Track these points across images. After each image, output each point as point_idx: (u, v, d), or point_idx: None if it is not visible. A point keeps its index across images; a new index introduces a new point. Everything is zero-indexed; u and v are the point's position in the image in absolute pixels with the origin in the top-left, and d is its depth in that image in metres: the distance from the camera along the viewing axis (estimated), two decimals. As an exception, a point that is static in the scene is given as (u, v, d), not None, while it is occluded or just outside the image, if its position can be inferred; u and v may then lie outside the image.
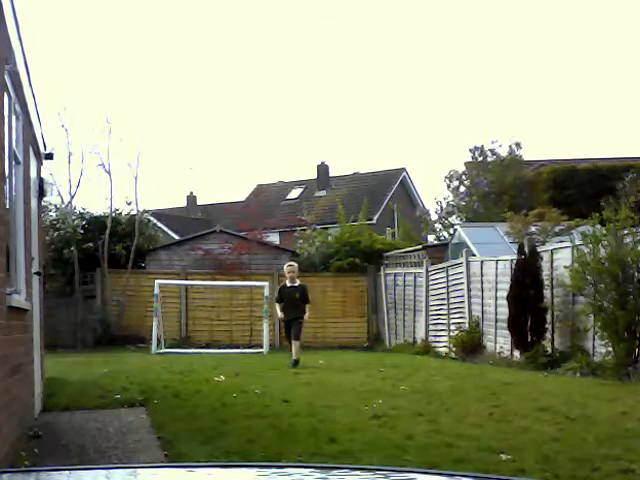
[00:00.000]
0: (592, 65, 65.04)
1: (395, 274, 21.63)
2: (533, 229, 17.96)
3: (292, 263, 14.94)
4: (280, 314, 14.38)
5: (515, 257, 14.40)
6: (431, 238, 28.47)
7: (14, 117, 6.70)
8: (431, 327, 19.18)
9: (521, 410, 8.03)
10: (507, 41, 65.63)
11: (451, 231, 24.51)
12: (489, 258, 16.35)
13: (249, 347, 18.73)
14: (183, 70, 70.66)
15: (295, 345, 13.98)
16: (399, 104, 69.90)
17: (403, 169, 40.09)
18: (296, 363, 13.84)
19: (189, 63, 70.57)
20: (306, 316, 14.25)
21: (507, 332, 14.48)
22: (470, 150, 28.89)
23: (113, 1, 59.35)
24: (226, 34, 67.20)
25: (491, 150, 28.45)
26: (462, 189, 28.34)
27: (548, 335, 13.71)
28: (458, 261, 17.85)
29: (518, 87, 63.77)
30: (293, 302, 14.05)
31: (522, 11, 60.38)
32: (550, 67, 66.23)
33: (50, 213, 22.93)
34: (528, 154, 29.33)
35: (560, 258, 13.63)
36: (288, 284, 14.31)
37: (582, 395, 9.14)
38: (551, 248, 14.34)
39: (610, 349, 11.68)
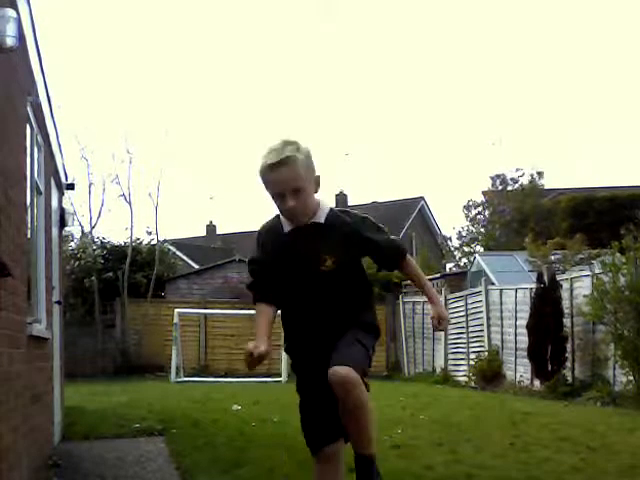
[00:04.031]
0: (611, 94, 64.99)
1: (414, 302, 21.57)
2: (553, 258, 17.91)
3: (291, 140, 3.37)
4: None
5: (534, 286, 14.35)
6: (449, 266, 28.44)
7: (36, 148, 6.79)
8: (450, 356, 19.09)
9: (542, 440, 7.96)
10: (527, 72, 65.77)
11: (471, 259, 24.48)
12: (508, 287, 16.29)
13: (267, 376, 18.67)
14: (202, 100, 71.27)
15: (362, 412, 3.34)
16: (417, 135, 70.07)
17: (421, 198, 40.03)
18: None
19: (208, 94, 71.20)
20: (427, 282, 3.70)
21: (527, 361, 14.39)
22: (491, 178, 28.94)
23: (134, 28, 60.08)
24: (246, 62, 67.83)
25: (513, 179, 28.52)
26: (481, 217, 28.38)
27: (568, 364, 13.61)
28: (477, 290, 17.79)
29: (533, 115, 63.77)
30: (321, 281, 3.46)
31: (539, 42, 60.58)
32: (569, 97, 66.25)
33: (71, 243, 23.15)
34: (546, 182, 29.38)
35: (580, 287, 13.57)
36: (285, 228, 3.48)
37: (603, 425, 9.05)
38: (570, 277, 14.27)
39: (631, 378, 11.58)
